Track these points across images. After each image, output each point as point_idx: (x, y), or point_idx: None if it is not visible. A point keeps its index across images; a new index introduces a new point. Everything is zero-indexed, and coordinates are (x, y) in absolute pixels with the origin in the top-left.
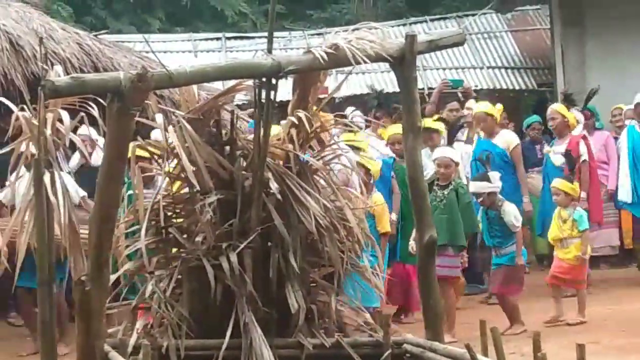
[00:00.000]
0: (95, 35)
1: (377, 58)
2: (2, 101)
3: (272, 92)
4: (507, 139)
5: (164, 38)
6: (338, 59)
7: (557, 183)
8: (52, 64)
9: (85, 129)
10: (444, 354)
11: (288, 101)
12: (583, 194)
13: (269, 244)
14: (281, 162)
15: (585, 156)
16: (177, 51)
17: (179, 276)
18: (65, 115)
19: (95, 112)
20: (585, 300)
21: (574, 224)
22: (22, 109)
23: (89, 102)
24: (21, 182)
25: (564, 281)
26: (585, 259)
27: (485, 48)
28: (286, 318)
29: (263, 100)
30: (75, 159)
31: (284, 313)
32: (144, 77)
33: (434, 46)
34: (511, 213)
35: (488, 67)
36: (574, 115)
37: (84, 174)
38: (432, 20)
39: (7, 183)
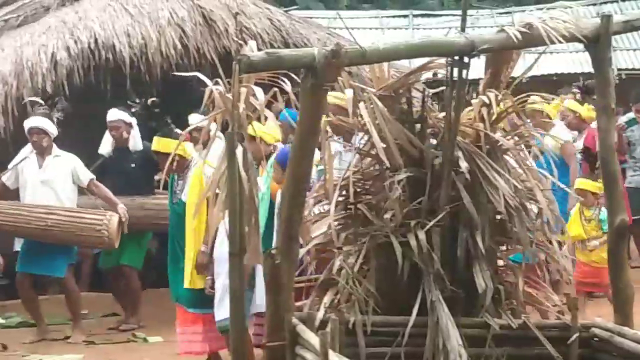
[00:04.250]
0: (286, 11)
1: (570, 38)
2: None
3: (464, 71)
4: None
5: (352, 15)
6: (532, 39)
7: (582, 184)
8: (245, 39)
9: (115, 114)
10: (634, 339)
11: (479, 79)
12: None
13: (457, 222)
14: (471, 141)
15: None
16: (364, 28)
17: (367, 252)
18: (258, 91)
19: (288, 87)
20: None
21: (599, 225)
22: (216, 83)
23: (281, 78)
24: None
25: (591, 285)
26: None
27: None
28: (473, 298)
29: (455, 79)
30: (108, 142)
31: (471, 292)
32: (338, 53)
33: (629, 27)
34: None
35: None
36: (588, 107)
37: (116, 157)
38: (623, 0)
39: (10, 166)
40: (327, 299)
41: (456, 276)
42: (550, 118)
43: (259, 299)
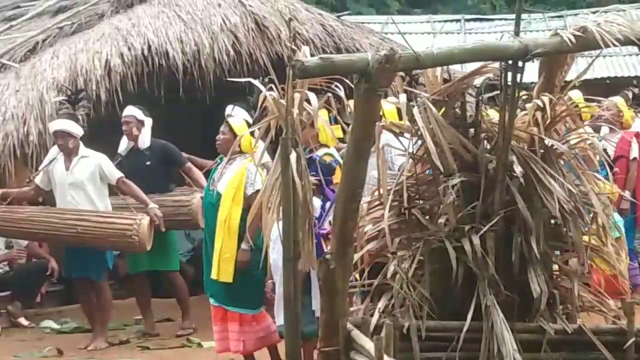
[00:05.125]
0: (338, 17)
1: (625, 41)
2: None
3: (518, 75)
4: None
5: (403, 19)
6: (586, 42)
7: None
8: (298, 45)
9: (128, 110)
10: None
11: (532, 83)
12: (627, 193)
13: (512, 227)
14: (525, 146)
15: (635, 154)
16: (416, 33)
17: (421, 257)
18: (312, 96)
19: (341, 92)
20: None
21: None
22: (270, 89)
23: (334, 83)
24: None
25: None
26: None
27: None
28: (527, 302)
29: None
30: (124, 142)
31: (525, 297)
32: (392, 58)
33: None
34: None
35: None
36: (632, 114)
37: (131, 156)
38: None
39: (41, 167)
40: (381, 304)
41: (510, 281)
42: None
43: (314, 304)
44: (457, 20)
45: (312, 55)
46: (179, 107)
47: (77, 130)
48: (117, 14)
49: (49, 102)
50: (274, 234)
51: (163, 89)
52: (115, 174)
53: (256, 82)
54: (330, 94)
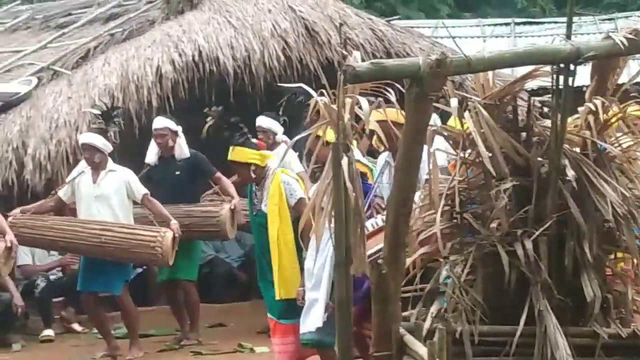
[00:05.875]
0: (387, 21)
1: None
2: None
3: (570, 79)
4: None
5: (453, 23)
6: (638, 45)
7: None
8: (348, 50)
9: (161, 122)
10: None
11: (583, 87)
12: None
13: (565, 231)
14: (578, 149)
15: None
16: (466, 37)
17: (473, 262)
18: (363, 101)
19: (392, 97)
20: None
21: None
22: (321, 94)
23: (385, 88)
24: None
25: None
26: None
27: None
28: (581, 307)
29: (561, 86)
30: (153, 151)
31: (579, 301)
32: (443, 62)
33: None
34: None
35: None
36: None
37: (161, 166)
38: None
39: (68, 179)
40: (434, 309)
41: (563, 285)
42: None
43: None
44: (507, 24)
45: (362, 60)
46: (230, 113)
47: (105, 145)
48: (167, 20)
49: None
50: (310, 242)
51: (214, 94)
52: (141, 190)
53: (307, 88)
54: (381, 99)
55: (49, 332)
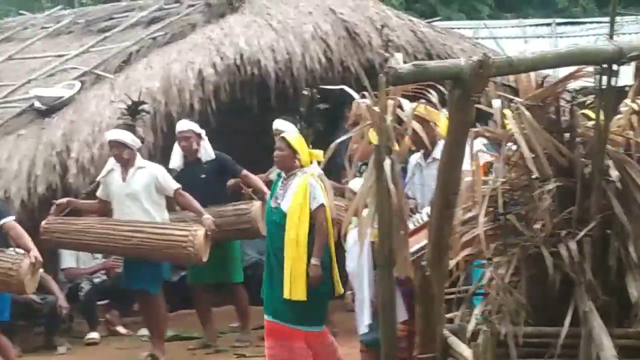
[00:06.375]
0: (428, 23)
1: None
2: (344, 89)
3: (613, 79)
4: None
5: (494, 24)
6: None
7: None
8: (390, 52)
9: (185, 124)
10: None
11: (626, 87)
12: None
13: (608, 232)
14: (622, 150)
15: None
16: (507, 37)
17: (517, 263)
18: (405, 103)
19: (434, 98)
20: None
21: None
22: (363, 96)
23: (428, 89)
24: None
25: None
26: None
27: None
28: (625, 308)
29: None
30: (178, 155)
31: (623, 302)
32: (485, 63)
33: None
34: None
35: None
36: None
37: (187, 170)
38: None
39: (99, 178)
40: (478, 311)
41: (608, 286)
42: None
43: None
44: (548, 24)
45: (404, 62)
46: (272, 116)
47: (133, 141)
48: (209, 23)
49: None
50: (349, 242)
51: (255, 97)
52: (172, 185)
53: (349, 90)
54: (423, 101)
55: (93, 335)
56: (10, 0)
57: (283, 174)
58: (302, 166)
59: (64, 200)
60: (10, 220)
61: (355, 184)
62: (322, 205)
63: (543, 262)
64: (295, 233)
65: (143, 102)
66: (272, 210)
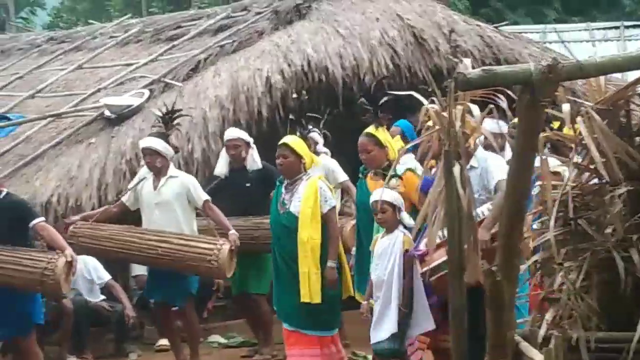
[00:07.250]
0: (495, 27)
1: None
2: (412, 95)
3: None
4: None
5: (561, 28)
6: None
7: None
8: (458, 57)
9: (234, 132)
10: None
11: None
12: None
13: None
14: None
15: None
16: (575, 41)
17: (588, 268)
18: (474, 108)
19: (504, 103)
20: None
21: None
22: (432, 102)
23: (496, 94)
24: None
25: None
26: None
27: None
28: None
29: None
30: (224, 163)
31: None
32: (555, 68)
33: None
34: None
35: None
36: None
37: (233, 177)
38: None
39: (130, 185)
40: (549, 316)
41: None
42: None
43: (420, 320)
44: (616, 27)
45: (472, 67)
46: (339, 122)
47: (166, 149)
48: (276, 30)
49: (212, 120)
50: (377, 250)
51: (323, 103)
52: (202, 196)
53: (418, 95)
54: (492, 106)
55: (164, 342)
56: (78, 10)
57: (286, 180)
58: (306, 170)
59: (77, 217)
60: (40, 221)
61: (376, 194)
62: (334, 207)
63: (614, 266)
64: (308, 235)
65: (177, 110)
66: (279, 215)
